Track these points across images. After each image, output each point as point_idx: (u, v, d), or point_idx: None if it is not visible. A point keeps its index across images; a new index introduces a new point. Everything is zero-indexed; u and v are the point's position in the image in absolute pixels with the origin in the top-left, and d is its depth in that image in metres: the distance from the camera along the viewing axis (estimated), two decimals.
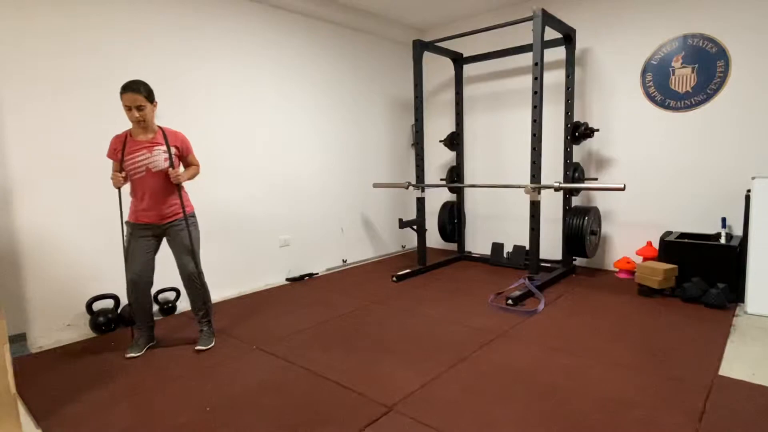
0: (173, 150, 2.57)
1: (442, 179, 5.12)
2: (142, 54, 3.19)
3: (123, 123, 3.10)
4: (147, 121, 2.48)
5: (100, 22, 2.98)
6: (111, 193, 3.06)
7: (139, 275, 2.57)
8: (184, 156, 2.66)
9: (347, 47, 4.67)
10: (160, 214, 2.57)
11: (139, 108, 2.42)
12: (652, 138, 3.87)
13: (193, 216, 2.70)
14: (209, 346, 2.68)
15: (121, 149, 2.50)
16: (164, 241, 2.67)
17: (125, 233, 2.60)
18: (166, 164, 2.52)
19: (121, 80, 3.05)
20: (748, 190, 3.21)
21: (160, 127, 2.58)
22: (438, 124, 5.32)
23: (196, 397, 2.12)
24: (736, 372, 2.21)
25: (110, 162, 3.00)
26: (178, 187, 2.62)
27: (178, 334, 2.93)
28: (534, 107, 3.50)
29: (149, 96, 2.46)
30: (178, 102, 3.40)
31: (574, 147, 4.10)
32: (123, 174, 2.48)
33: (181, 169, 2.69)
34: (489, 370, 2.31)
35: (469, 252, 5.08)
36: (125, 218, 2.62)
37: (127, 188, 2.60)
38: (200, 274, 2.69)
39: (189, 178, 2.66)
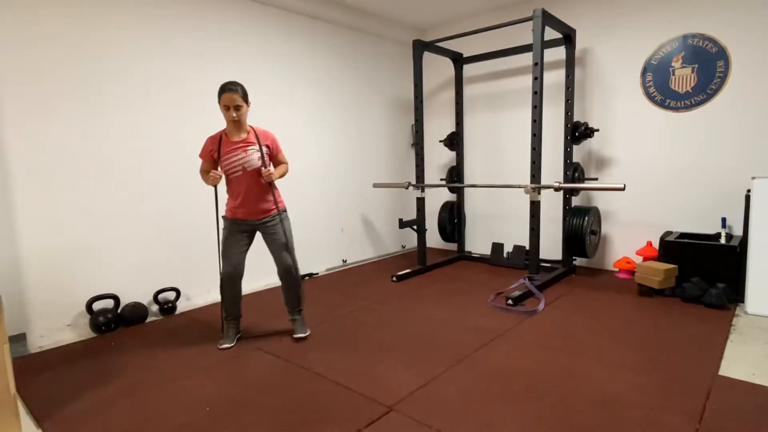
0: (264, 149, 2.65)
1: (442, 179, 5.12)
2: (143, 56, 3.19)
3: (123, 123, 3.12)
4: (242, 121, 2.59)
5: (101, 24, 2.98)
6: (111, 193, 3.08)
7: (235, 268, 2.69)
8: (274, 155, 2.74)
9: (347, 47, 4.67)
10: (255, 211, 2.66)
11: (237, 108, 2.53)
12: (652, 138, 3.87)
13: (285, 211, 2.79)
14: (308, 333, 2.80)
15: (216, 149, 2.61)
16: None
17: (222, 228, 2.71)
18: (260, 163, 2.61)
19: (122, 81, 3.09)
20: (748, 190, 3.21)
21: (251, 127, 2.67)
22: (438, 124, 5.32)
23: (196, 397, 2.12)
24: (736, 372, 2.21)
25: (110, 162, 3.01)
26: (271, 185, 2.68)
27: (178, 334, 2.93)
28: (534, 107, 3.50)
29: (245, 96, 2.56)
30: (178, 103, 3.40)
31: (574, 147, 4.10)
32: (219, 172, 2.57)
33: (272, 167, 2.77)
34: (489, 370, 2.31)
35: (469, 252, 5.08)
36: (221, 214, 2.74)
37: (221, 185, 2.67)
38: (297, 266, 2.77)
39: (280, 176, 2.73)
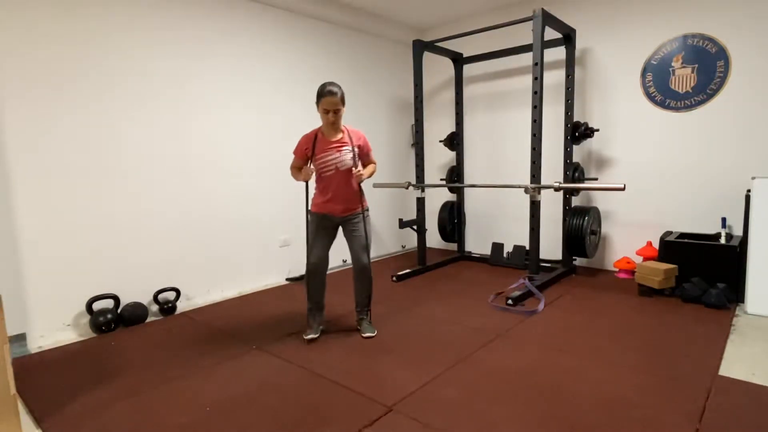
0: (356, 149, 2.70)
1: (442, 179, 5.12)
2: (143, 56, 3.19)
3: (123, 124, 3.12)
4: (339, 123, 2.62)
5: (101, 25, 2.98)
6: (111, 194, 3.08)
7: (320, 260, 2.76)
8: (364, 153, 2.79)
9: (347, 47, 4.67)
10: (342, 208, 2.72)
11: (336, 111, 2.58)
12: (652, 138, 3.87)
13: (368, 210, 2.83)
14: (375, 333, 2.81)
15: (311, 147, 2.67)
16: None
17: (309, 222, 2.78)
18: (352, 163, 2.68)
19: (123, 83, 3.10)
20: (748, 190, 3.21)
21: (344, 126, 2.72)
22: (438, 124, 5.32)
23: (196, 397, 2.12)
24: (736, 372, 2.21)
25: (110, 162, 2.99)
26: (359, 184, 2.75)
27: (178, 334, 2.93)
28: (534, 107, 3.50)
29: (343, 99, 2.60)
30: (179, 103, 3.40)
31: (574, 147, 4.10)
32: (312, 169, 2.65)
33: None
34: (489, 370, 2.31)
35: (469, 252, 5.08)
36: (309, 208, 2.81)
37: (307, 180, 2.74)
38: (370, 267, 2.82)
39: (369, 176, 2.77)
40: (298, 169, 2.73)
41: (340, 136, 2.68)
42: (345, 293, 3.72)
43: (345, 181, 2.68)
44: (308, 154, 2.69)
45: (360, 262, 2.77)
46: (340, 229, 2.82)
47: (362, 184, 2.76)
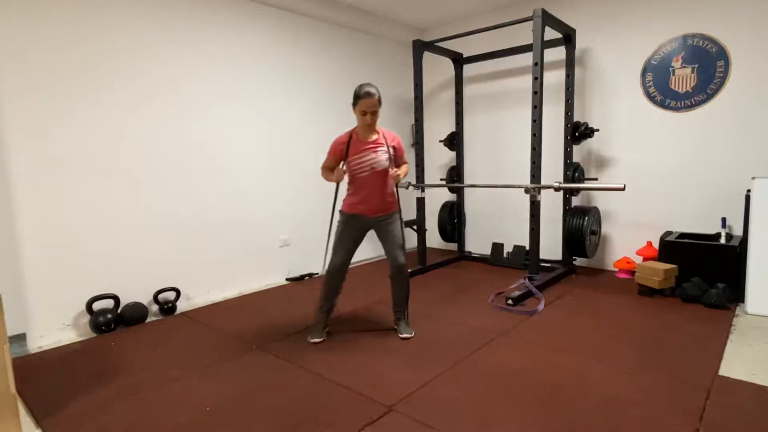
0: (391, 150, 2.70)
1: (442, 179, 5.12)
2: (144, 55, 3.19)
3: (124, 123, 3.12)
4: (375, 124, 2.64)
5: (101, 25, 2.98)
6: (111, 194, 3.08)
7: (343, 262, 2.74)
8: (399, 155, 2.78)
9: (347, 47, 4.67)
10: (374, 208, 2.71)
11: (374, 113, 2.58)
12: (652, 138, 3.87)
13: (401, 210, 2.84)
14: (413, 334, 2.79)
15: (345, 149, 2.66)
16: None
17: (337, 221, 2.76)
18: (388, 163, 2.66)
19: (124, 83, 3.09)
20: (748, 190, 3.21)
21: (379, 128, 2.72)
22: (438, 124, 5.32)
23: (196, 397, 2.12)
24: (736, 372, 2.21)
25: (110, 162, 2.98)
26: (396, 185, 2.77)
27: (178, 334, 2.93)
28: (534, 107, 3.50)
29: (380, 100, 2.61)
30: (180, 102, 3.40)
31: (574, 147, 4.10)
32: (344, 169, 2.65)
33: None
34: (489, 370, 2.31)
35: (469, 252, 5.08)
36: (338, 207, 2.80)
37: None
38: (407, 266, 2.79)
39: (404, 176, 2.78)
40: (329, 170, 2.72)
41: (375, 137, 2.67)
42: (344, 293, 3.71)
43: (381, 181, 2.67)
44: (343, 154, 2.68)
45: (397, 262, 2.74)
46: (370, 232, 2.79)
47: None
